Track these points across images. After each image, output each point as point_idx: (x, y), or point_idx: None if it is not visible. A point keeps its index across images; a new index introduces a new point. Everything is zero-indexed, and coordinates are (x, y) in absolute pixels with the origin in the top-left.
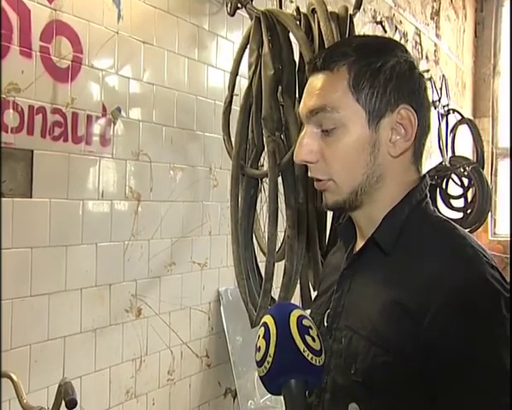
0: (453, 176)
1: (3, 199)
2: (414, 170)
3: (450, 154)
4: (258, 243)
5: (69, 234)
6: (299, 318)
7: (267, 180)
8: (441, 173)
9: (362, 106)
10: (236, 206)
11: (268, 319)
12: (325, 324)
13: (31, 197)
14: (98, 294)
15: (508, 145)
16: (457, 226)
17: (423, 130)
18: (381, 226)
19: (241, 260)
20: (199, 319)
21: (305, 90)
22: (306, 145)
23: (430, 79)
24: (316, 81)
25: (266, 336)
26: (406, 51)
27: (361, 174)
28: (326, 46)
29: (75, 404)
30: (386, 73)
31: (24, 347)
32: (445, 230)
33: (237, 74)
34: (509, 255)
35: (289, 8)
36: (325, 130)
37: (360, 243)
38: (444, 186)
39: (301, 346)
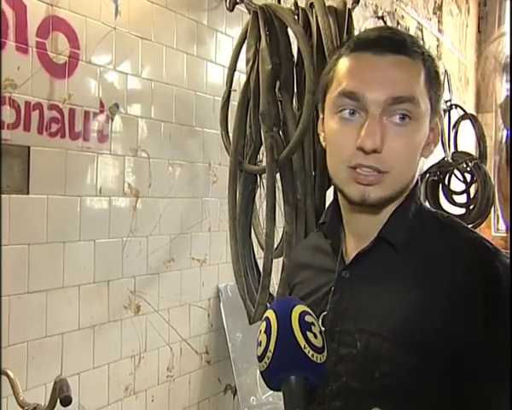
0: (456, 172)
1: (1, 195)
2: None
3: (452, 149)
4: (257, 239)
5: (67, 230)
6: (301, 313)
7: (265, 176)
8: (444, 169)
9: (430, 103)
10: (234, 202)
11: (270, 313)
12: (322, 327)
13: (28, 194)
14: (96, 290)
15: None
16: (461, 221)
17: None
18: (389, 224)
19: (240, 257)
20: (198, 316)
21: (368, 73)
22: (379, 132)
23: None
24: (391, 64)
25: (267, 331)
26: None
27: (412, 172)
28: (324, 41)
29: (69, 401)
30: (439, 75)
31: (21, 344)
32: (453, 224)
33: (235, 70)
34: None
35: (287, 3)
36: (401, 119)
37: (352, 243)
38: (446, 182)
39: (302, 342)
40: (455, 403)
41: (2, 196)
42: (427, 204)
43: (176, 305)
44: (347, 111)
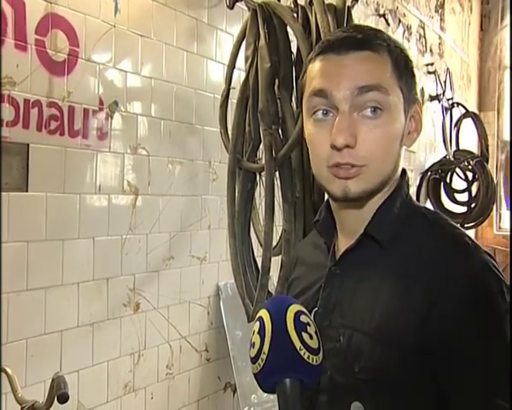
0: (457, 170)
1: None
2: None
3: (454, 148)
4: (256, 237)
5: (66, 228)
6: (296, 313)
7: (264, 174)
8: (445, 167)
9: (402, 92)
10: (233, 200)
11: (264, 313)
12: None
13: (27, 191)
14: (96, 288)
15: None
16: (447, 217)
17: None
18: (374, 220)
19: (238, 255)
20: (198, 314)
21: (334, 71)
22: (349, 128)
23: (434, 72)
24: (355, 60)
25: (261, 332)
26: None
27: (392, 163)
28: (323, 39)
29: (66, 398)
30: (411, 64)
31: (20, 341)
32: (438, 221)
33: (234, 67)
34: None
35: (286, 1)
36: (372, 111)
37: (343, 240)
38: (448, 180)
39: (297, 344)
40: (435, 402)
41: (1, 193)
42: (413, 199)
43: (175, 303)
44: (320, 112)
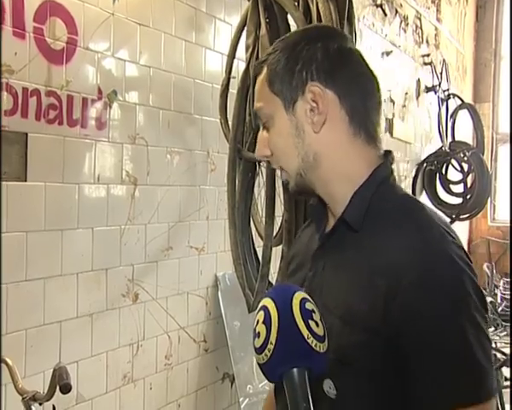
0: (453, 161)
1: None
2: (366, 147)
3: (450, 139)
4: (256, 228)
5: (65, 218)
6: (301, 301)
7: (264, 164)
8: (441, 159)
9: (277, 95)
10: (233, 190)
11: (268, 302)
12: None
13: (25, 181)
14: (94, 278)
15: (508, 131)
16: (425, 205)
17: (354, 97)
18: (350, 204)
19: (239, 245)
20: (196, 304)
21: None
22: (259, 142)
23: (430, 63)
24: (256, 86)
25: (267, 322)
26: (339, 37)
27: (296, 157)
28: None
29: (69, 389)
30: (292, 60)
31: (20, 331)
32: (412, 208)
33: (234, 57)
34: (508, 241)
35: None
36: (263, 126)
37: (332, 222)
38: (443, 171)
39: (305, 332)
40: (400, 381)
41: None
42: (396, 183)
43: (174, 293)
44: None
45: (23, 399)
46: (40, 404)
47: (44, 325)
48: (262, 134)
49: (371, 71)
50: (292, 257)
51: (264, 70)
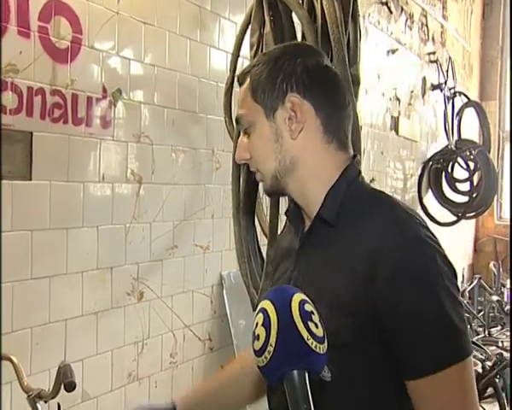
0: (459, 159)
1: (3, 181)
2: (338, 152)
3: (456, 137)
4: (261, 226)
5: (70, 217)
6: (300, 302)
7: None
8: (447, 157)
9: (259, 104)
10: (238, 188)
11: (267, 304)
12: None
13: (30, 180)
14: (100, 277)
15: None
16: (391, 196)
17: (329, 109)
18: (325, 203)
19: (243, 243)
20: (201, 303)
21: None
22: (239, 146)
23: (436, 61)
24: (238, 95)
25: (266, 324)
26: (317, 54)
27: (273, 161)
28: (328, 25)
29: (74, 387)
30: (274, 72)
31: (25, 329)
32: (380, 199)
33: (239, 55)
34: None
35: None
36: (244, 132)
37: (308, 223)
38: (449, 170)
39: (305, 334)
40: (386, 358)
41: (5, 182)
42: (365, 181)
43: (179, 292)
44: None
45: (28, 396)
46: (45, 402)
47: (50, 324)
48: (242, 139)
49: (343, 85)
50: (276, 264)
51: (248, 80)
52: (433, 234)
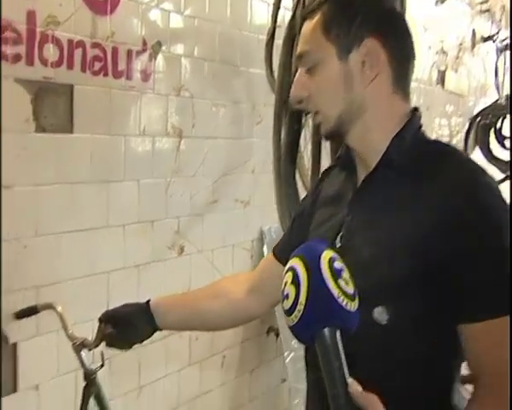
0: (509, 115)
1: (45, 134)
2: (402, 103)
3: (507, 91)
4: (302, 180)
5: (111, 170)
6: (330, 259)
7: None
8: (496, 112)
9: (332, 43)
10: (279, 141)
11: (296, 261)
12: (337, 245)
13: (72, 133)
14: (141, 230)
15: None
16: (456, 148)
17: (401, 59)
18: (389, 150)
19: (284, 198)
20: (242, 257)
21: None
22: (297, 83)
23: (488, 10)
24: (302, 30)
25: (296, 282)
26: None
27: (340, 104)
28: None
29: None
30: (352, 11)
31: (68, 281)
32: (447, 150)
33: (280, 6)
34: None
35: None
36: (308, 69)
37: (362, 172)
38: (498, 126)
39: (335, 291)
40: (448, 308)
41: (47, 134)
42: (426, 133)
43: (219, 246)
44: None
45: (73, 344)
46: (89, 350)
47: (92, 275)
48: (301, 77)
49: (412, 35)
50: (311, 211)
51: (318, 16)
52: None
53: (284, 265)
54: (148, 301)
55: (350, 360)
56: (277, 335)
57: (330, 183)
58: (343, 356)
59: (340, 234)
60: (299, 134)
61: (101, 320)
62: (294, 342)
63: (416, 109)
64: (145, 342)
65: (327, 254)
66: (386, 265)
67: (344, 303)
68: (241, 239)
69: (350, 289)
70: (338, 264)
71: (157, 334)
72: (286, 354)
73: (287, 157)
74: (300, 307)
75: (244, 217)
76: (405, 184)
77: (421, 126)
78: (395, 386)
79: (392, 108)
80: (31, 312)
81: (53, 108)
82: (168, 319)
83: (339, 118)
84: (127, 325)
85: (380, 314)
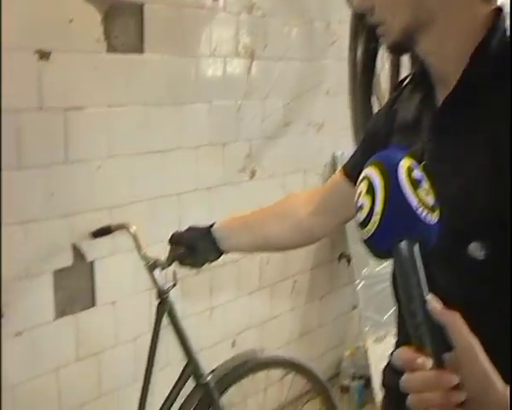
0: None
1: (117, 55)
2: (481, 2)
3: None
4: (379, 102)
5: (183, 91)
6: (409, 167)
7: None
8: None
9: None
10: (355, 61)
11: (372, 170)
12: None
13: (142, 53)
14: (212, 152)
15: None
16: None
17: None
18: (472, 64)
19: (359, 121)
20: (314, 182)
21: None
22: None
23: None
24: None
25: (371, 191)
26: None
27: (408, 12)
28: None
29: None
30: None
31: (141, 202)
32: None
33: None
34: None
35: None
36: None
37: (440, 91)
38: None
39: (414, 201)
40: None
41: (118, 55)
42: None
43: (291, 170)
44: None
45: (146, 264)
46: (162, 268)
47: (164, 197)
48: None
49: None
50: (396, 131)
51: None
52: None
53: (354, 183)
54: (212, 225)
55: (443, 294)
56: (349, 261)
57: (405, 106)
58: (422, 271)
59: (423, 163)
60: (377, 53)
61: (170, 242)
62: (365, 270)
63: (499, 9)
64: (216, 265)
65: (405, 162)
66: (480, 197)
67: (424, 214)
68: (313, 164)
69: (430, 199)
70: (418, 172)
71: (228, 257)
72: (357, 281)
73: (363, 77)
74: (376, 217)
75: (317, 141)
76: (493, 103)
77: (505, 31)
78: (489, 319)
79: (470, 9)
80: (105, 232)
81: (124, 28)
82: (232, 242)
83: (405, 29)
84: (192, 249)
85: (475, 249)
